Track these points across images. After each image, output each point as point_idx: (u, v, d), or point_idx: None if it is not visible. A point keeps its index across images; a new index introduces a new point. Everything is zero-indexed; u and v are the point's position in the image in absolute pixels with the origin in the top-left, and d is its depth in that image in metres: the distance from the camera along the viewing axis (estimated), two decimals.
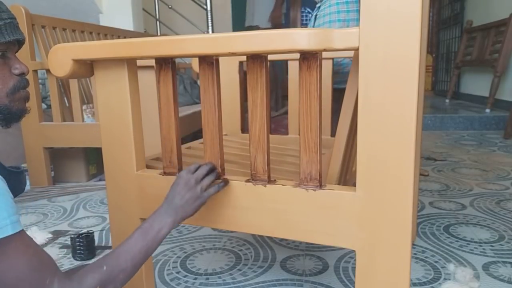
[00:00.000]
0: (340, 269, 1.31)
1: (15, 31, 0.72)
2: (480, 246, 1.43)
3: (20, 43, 0.75)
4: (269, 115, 0.85)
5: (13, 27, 0.72)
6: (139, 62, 0.95)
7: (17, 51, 0.76)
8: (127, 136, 0.94)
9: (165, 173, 0.95)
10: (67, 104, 2.36)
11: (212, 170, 0.85)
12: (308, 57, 0.76)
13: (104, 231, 1.64)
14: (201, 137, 1.07)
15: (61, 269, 0.70)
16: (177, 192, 0.80)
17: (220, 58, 0.87)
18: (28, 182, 2.20)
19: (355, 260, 0.78)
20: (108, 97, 0.94)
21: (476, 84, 4.66)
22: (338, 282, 1.23)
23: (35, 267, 0.62)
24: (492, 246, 1.43)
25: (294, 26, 5.51)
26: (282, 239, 1.50)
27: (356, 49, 0.70)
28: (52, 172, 2.27)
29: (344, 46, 0.70)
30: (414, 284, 1.20)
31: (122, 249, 0.74)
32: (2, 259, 0.59)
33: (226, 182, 0.85)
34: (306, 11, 6.65)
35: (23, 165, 2.21)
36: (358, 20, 0.69)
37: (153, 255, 1.32)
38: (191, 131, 2.43)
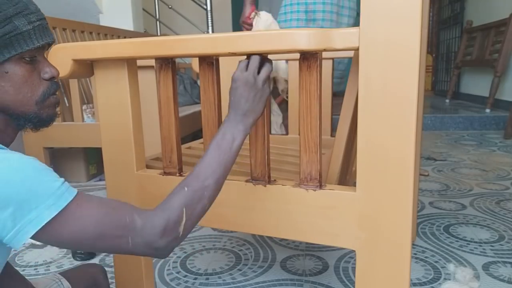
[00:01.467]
0: (340, 269, 1.31)
1: (45, 34, 0.66)
2: (480, 246, 1.43)
3: (49, 44, 0.69)
4: (269, 115, 0.85)
5: (42, 29, 0.66)
6: (139, 62, 0.95)
7: (46, 51, 0.70)
8: (127, 136, 0.94)
9: (165, 173, 0.95)
10: (67, 104, 2.36)
11: (264, 59, 0.76)
12: (308, 57, 0.76)
13: None
14: (201, 137, 1.07)
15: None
16: (239, 95, 0.73)
17: (220, 58, 0.87)
18: None
19: (355, 260, 0.78)
20: (108, 97, 0.94)
21: (476, 84, 4.66)
22: (338, 282, 1.23)
23: (107, 212, 0.60)
24: (492, 246, 1.43)
25: None
26: (282, 239, 1.50)
27: (356, 49, 0.70)
28: None
29: (344, 46, 0.70)
30: (414, 284, 1.20)
31: (200, 167, 0.70)
32: (72, 224, 0.58)
33: (269, 61, 0.77)
34: None
35: None
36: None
37: None
38: (191, 131, 2.43)
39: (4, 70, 0.62)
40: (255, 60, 0.75)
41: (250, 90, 0.73)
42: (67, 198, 0.57)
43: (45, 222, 0.55)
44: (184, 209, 0.64)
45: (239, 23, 2.13)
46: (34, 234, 0.55)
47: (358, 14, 0.72)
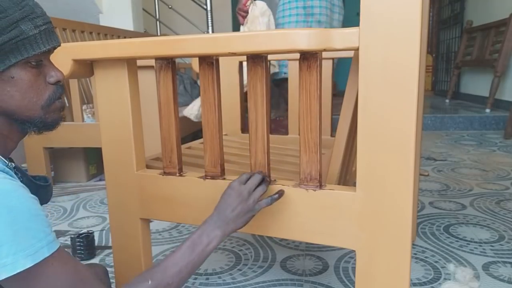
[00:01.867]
0: (340, 269, 1.30)
1: (51, 38, 0.65)
2: (480, 246, 1.43)
3: (55, 48, 0.69)
4: (269, 115, 0.85)
5: (49, 33, 0.65)
6: (139, 62, 0.95)
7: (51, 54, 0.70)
8: (127, 136, 0.94)
9: (165, 173, 0.95)
10: (67, 104, 2.36)
11: (263, 180, 0.81)
12: (308, 57, 0.76)
13: (104, 231, 1.64)
14: (201, 137, 1.07)
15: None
16: (229, 203, 0.77)
17: (220, 58, 0.87)
18: None
19: (355, 260, 0.78)
20: (108, 97, 0.94)
21: (476, 84, 4.66)
22: (338, 282, 1.23)
23: (74, 284, 0.60)
24: (492, 246, 1.43)
25: None
26: (282, 239, 1.50)
27: (356, 49, 0.70)
28: (52, 172, 2.27)
29: (344, 46, 0.70)
30: (414, 284, 1.20)
31: (169, 263, 0.71)
32: (42, 281, 0.58)
33: (280, 194, 0.81)
34: None
35: (23, 165, 2.21)
36: None
37: (153, 255, 1.32)
38: (191, 131, 2.43)
39: (10, 75, 0.62)
40: (256, 178, 0.80)
41: (240, 203, 0.77)
42: (44, 253, 0.57)
43: (18, 271, 0.55)
44: None
45: (236, 10, 2.19)
46: (4, 279, 0.55)
47: (357, 13, 0.72)
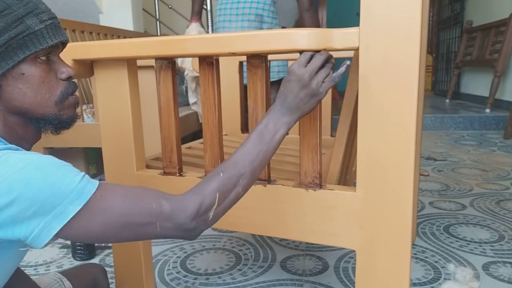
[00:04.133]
0: (340, 269, 1.31)
1: (57, 33, 0.65)
2: (480, 246, 1.43)
3: (64, 44, 0.69)
4: None
5: (55, 28, 0.65)
6: (139, 62, 0.95)
7: (60, 52, 0.69)
8: (127, 136, 0.94)
9: (165, 173, 0.95)
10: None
11: (327, 60, 0.72)
12: None
13: None
14: (201, 137, 1.07)
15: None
16: (289, 90, 0.71)
17: (220, 58, 0.87)
18: None
19: (355, 260, 0.78)
20: (108, 97, 0.94)
21: (476, 84, 4.66)
22: (338, 282, 1.23)
23: (132, 201, 0.60)
24: (492, 246, 1.43)
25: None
26: (282, 239, 1.50)
27: (356, 49, 0.70)
28: None
29: (344, 46, 0.70)
30: (414, 284, 1.20)
31: (239, 154, 0.68)
32: (99, 215, 0.57)
33: (348, 66, 0.72)
34: None
35: None
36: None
37: (153, 255, 1.32)
38: (191, 131, 2.43)
39: (20, 71, 0.61)
40: (318, 59, 0.71)
41: (301, 88, 0.70)
42: (90, 191, 0.57)
43: (70, 217, 0.54)
44: (218, 194, 0.64)
45: None
46: (60, 231, 0.55)
47: (357, 14, 0.72)
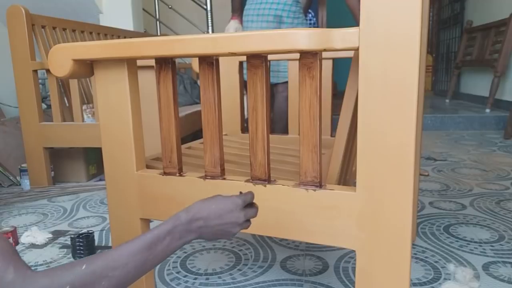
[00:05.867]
0: (340, 269, 1.30)
1: None
2: (480, 246, 1.43)
3: None
4: (269, 115, 0.85)
5: None
6: (139, 62, 0.95)
7: None
8: (127, 136, 0.94)
9: (165, 173, 0.95)
10: (67, 104, 2.36)
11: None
12: (308, 57, 0.76)
13: (104, 231, 1.64)
14: (201, 137, 1.07)
15: None
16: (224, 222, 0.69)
17: (220, 58, 0.87)
18: (28, 182, 2.20)
19: (355, 260, 0.78)
20: (108, 97, 0.94)
21: (476, 84, 4.66)
22: (338, 282, 1.23)
23: None
24: (492, 246, 1.43)
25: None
26: (282, 239, 1.50)
27: (356, 49, 0.70)
28: (52, 172, 2.27)
29: (344, 46, 0.70)
30: (414, 284, 1.20)
31: (117, 252, 0.60)
32: None
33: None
34: (311, 14, 6.64)
35: (23, 165, 2.21)
36: None
37: None
38: (191, 131, 2.43)
39: None
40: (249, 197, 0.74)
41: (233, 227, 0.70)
42: None
43: None
44: None
45: None
46: None
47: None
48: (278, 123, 2.53)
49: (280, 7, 2.31)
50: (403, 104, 0.68)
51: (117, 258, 0.59)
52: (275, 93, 2.54)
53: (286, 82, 2.42)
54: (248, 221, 0.73)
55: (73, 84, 2.21)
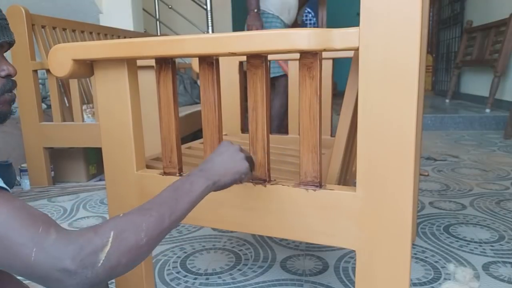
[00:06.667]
0: (340, 269, 1.30)
1: (4, 33, 0.71)
2: (480, 246, 1.43)
3: (10, 44, 0.74)
4: (269, 115, 0.85)
5: (2, 28, 0.70)
6: (139, 62, 0.95)
7: (6, 51, 0.74)
8: (127, 136, 0.94)
9: (165, 173, 0.95)
10: (67, 104, 2.36)
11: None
12: (308, 57, 0.76)
13: None
14: (201, 137, 1.07)
15: None
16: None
17: (220, 58, 0.87)
18: (28, 182, 2.20)
19: (355, 260, 0.78)
20: (108, 97, 0.94)
21: (476, 84, 4.66)
22: (338, 282, 1.23)
23: (21, 216, 0.53)
24: (492, 246, 1.43)
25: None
26: (282, 239, 1.50)
27: (356, 49, 0.70)
28: (52, 172, 2.27)
29: (344, 46, 0.70)
30: (414, 284, 1.20)
31: (149, 201, 0.64)
32: None
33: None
34: (307, 11, 6.65)
35: (23, 165, 2.21)
36: None
37: (153, 255, 1.32)
38: (191, 131, 2.43)
39: None
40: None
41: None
42: None
43: None
44: (112, 234, 0.54)
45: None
46: None
47: (357, 14, 0.72)
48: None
49: None
50: (403, 104, 0.68)
51: (149, 202, 0.64)
52: None
53: (274, 78, 2.57)
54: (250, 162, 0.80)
55: (73, 84, 2.21)
